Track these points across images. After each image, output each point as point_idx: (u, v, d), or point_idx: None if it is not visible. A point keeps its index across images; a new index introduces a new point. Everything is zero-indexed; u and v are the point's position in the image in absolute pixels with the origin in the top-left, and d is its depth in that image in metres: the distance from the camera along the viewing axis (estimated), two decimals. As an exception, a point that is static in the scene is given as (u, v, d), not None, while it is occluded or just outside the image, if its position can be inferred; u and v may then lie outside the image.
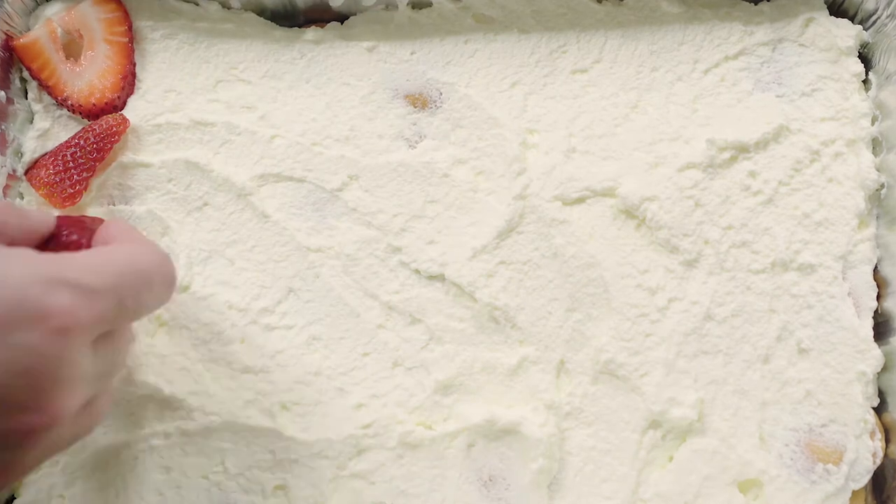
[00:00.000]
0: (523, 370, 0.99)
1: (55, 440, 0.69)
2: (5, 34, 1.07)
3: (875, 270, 1.02)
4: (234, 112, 1.09)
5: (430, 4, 1.13)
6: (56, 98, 1.08)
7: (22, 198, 1.07)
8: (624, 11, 1.12)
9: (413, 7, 1.13)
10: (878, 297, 1.01)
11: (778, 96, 1.06)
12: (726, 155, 1.03)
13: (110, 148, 1.04)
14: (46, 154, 1.07)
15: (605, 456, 0.97)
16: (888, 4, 1.04)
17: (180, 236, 1.05)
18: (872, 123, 1.05)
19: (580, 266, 1.01)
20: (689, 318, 0.99)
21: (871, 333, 0.99)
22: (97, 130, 1.04)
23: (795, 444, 0.96)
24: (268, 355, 1.01)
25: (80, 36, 1.08)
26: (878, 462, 0.95)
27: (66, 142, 1.05)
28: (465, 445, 0.97)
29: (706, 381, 0.98)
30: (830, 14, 1.10)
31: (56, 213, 1.03)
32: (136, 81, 1.11)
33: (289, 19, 1.17)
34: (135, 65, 1.11)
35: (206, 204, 1.06)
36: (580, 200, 1.04)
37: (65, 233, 0.81)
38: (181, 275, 1.03)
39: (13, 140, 1.07)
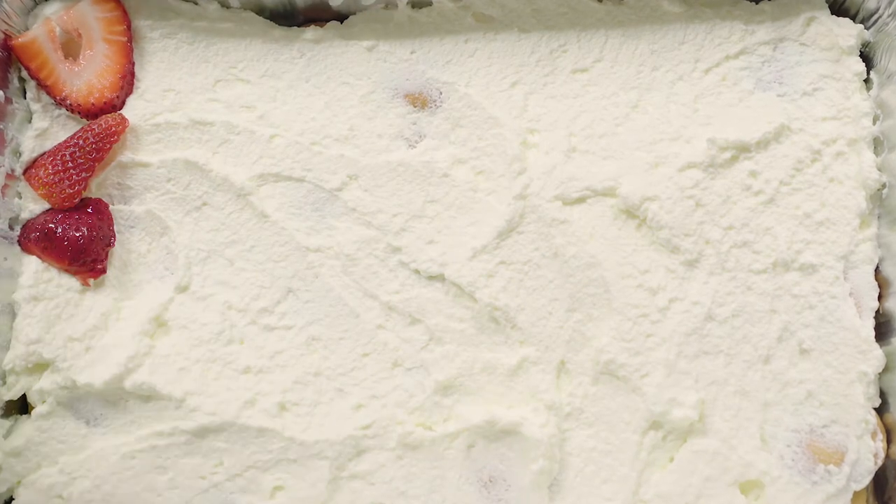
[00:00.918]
0: (524, 371, 0.99)
1: None
2: (4, 33, 1.07)
3: (876, 270, 1.01)
4: (234, 111, 1.09)
5: (429, 3, 1.13)
6: (55, 97, 1.07)
7: (20, 197, 1.06)
8: (625, 10, 1.11)
9: (413, 6, 1.13)
10: (880, 298, 1.00)
11: (779, 95, 1.06)
12: (727, 154, 1.03)
13: (109, 148, 1.04)
14: (45, 153, 1.06)
15: (606, 457, 0.96)
16: (889, 3, 1.04)
17: (179, 236, 1.05)
18: (874, 123, 1.05)
19: (581, 266, 1.01)
20: (690, 319, 0.99)
21: (873, 334, 0.98)
22: (96, 130, 1.03)
23: (797, 445, 0.95)
24: (267, 356, 1.01)
25: (79, 35, 1.08)
26: (880, 463, 0.95)
27: (65, 141, 1.05)
28: (465, 446, 0.96)
29: (707, 381, 0.97)
30: (832, 13, 1.10)
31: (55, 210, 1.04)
32: (134, 81, 1.10)
33: (288, 18, 1.16)
34: (134, 64, 1.10)
35: (205, 204, 1.06)
36: (581, 200, 1.04)
37: None
38: (180, 275, 1.03)
39: (12, 139, 1.06)
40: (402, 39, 1.12)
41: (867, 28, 1.08)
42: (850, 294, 0.99)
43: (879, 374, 0.97)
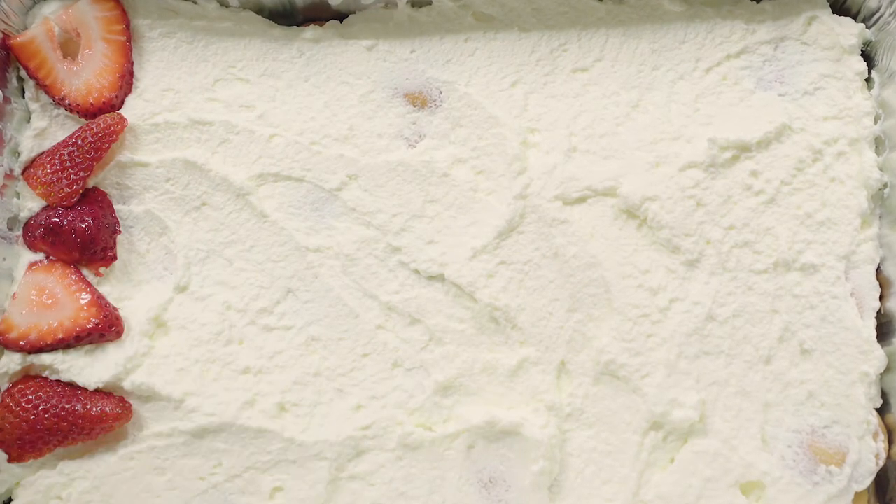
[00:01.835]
0: (524, 371, 0.99)
1: None
2: (2, 33, 1.07)
3: (878, 270, 1.01)
4: (233, 111, 1.09)
5: (429, 3, 1.12)
6: (53, 97, 1.07)
7: (19, 197, 1.06)
8: (625, 10, 1.11)
9: (413, 5, 1.13)
10: (881, 298, 1.00)
11: (780, 95, 1.06)
12: (728, 154, 1.03)
13: (108, 147, 1.04)
14: (44, 153, 1.06)
15: (606, 457, 0.96)
16: (891, 3, 1.04)
17: (178, 236, 1.04)
18: (875, 122, 1.04)
19: (581, 266, 1.00)
20: (690, 319, 0.98)
21: (874, 334, 0.98)
22: (95, 129, 1.03)
23: (798, 446, 0.95)
24: (266, 356, 1.01)
25: (78, 34, 1.08)
26: (881, 463, 0.94)
27: (64, 141, 1.05)
28: (465, 447, 0.96)
29: (708, 382, 0.97)
30: (833, 12, 1.09)
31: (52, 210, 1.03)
32: (133, 80, 1.10)
33: (287, 18, 1.16)
34: (132, 63, 1.10)
35: (204, 203, 1.06)
36: (581, 200, 1.03)
37: None
38: (179, 275, 1.03)
39: (10, 139, 1.06)
40: (402, 39, 1.12)
41: (868, 27, 1.08)
42: (852, 294, 0.99)
43: (881, 374, 0.97)
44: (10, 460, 0.96)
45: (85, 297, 1.00)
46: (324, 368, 1.00)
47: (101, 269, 1.04)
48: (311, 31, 1.12)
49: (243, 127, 1.07)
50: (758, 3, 1.11)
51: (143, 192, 1.06)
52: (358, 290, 1.02)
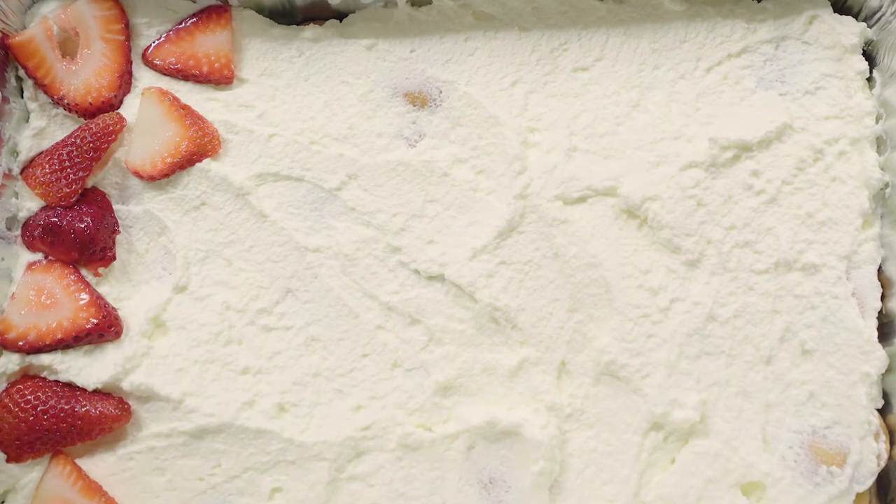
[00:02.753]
0: (524, 371, 0.98)
1: None
2: (1, 32, 1.06)
3: (879, 270, 1.00)
4: (232, 110, 1.08)
5: (429, 2, 1.12)
6: (52, 97, 1.07)
7: (17, 197, 1.06)
8: (626, 9, 1.11)
9: (412, 4, 1.12)
10: (883, 298, 0.99)
11: (781, 94, 1.06)
12: (729, 154, 1.02)
13: (107, 147, 1.03)
14: (42, 153, 1.06)
15: (607, 458, 0.96)
16: (892, 2, 1.03)
17: (177, 236, 1.04)
18: (877, 122, 1.04)
19: (581, 266, 1.00)
20: (691, 319, 0.98)
21: (876, 334, 0.97)
22: (93, 129, 1.03)
23: (799, 447, 0.95)
24: (266, 356, 1.00)
25: (77, 34, 1.07)
26: (883, 464, 0.94)
27: (62, 140, 1.04)
28: (466, 447, 0.96)
29: (708, 382, 0.97)
30: (834, 11, 1.09)
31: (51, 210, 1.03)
32: (132, 80, 1.10)
33: (287, 17, 1.16)
34: (131, 63, 1.10)
35: (203, 203, 1.05)
36: (581, 200, 1.03)
37: None
38: (178, 275, 1.03)
39: (9, 139, 1.06)
40: (402, 38, 1.11)
41: (870, 26, 1.07)
42: (853, 294, 0.99)
43: (882, 374, 0.97)
44: (8, 460, 0.96)
45: (84, 298, 0.99)
46: (323, 369, 1.00)
47: (100, 270, 1.03)
48: (310, 31, 1.12)
49: (243, 126, 1.07)
50: (759, 2, 1.10)
51: (142, 191, 1.06)
52: (358, 290, 1.02)
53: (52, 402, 0.96)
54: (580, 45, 1.10)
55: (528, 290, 1.01)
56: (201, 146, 1.05)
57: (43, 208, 1.04)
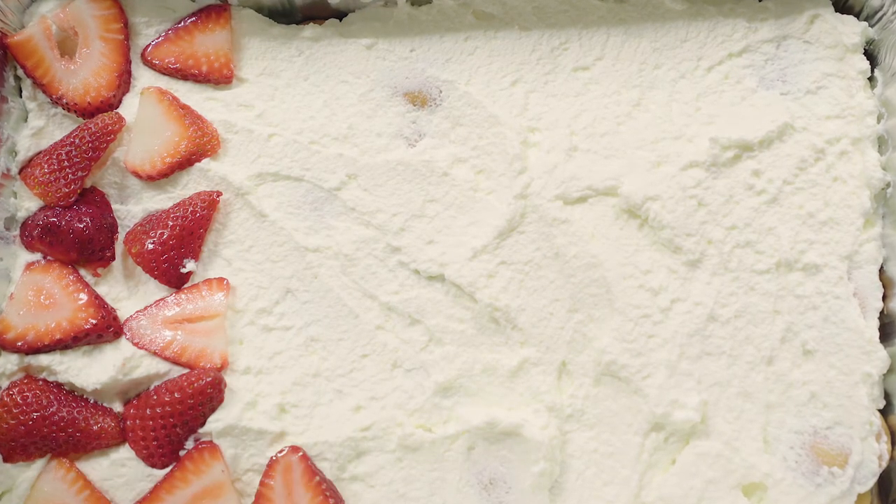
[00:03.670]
0: (524, 372, 0.98)
1: None
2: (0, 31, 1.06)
3: (881, 270, 1.00)
4: (231, 110, 1.08)
5: (429, 1, 1.12)
6: (51, 96, 1.06)
7: (16, 197, 1.05)
8: (626, 8, 1.10)
9: (412, 4, 1.12)
10: (884, 298, 0.99)
11: (782, 94, 1.05)
12: (730, 154, 1.02)
13: (106, 147, 1.03)
14: (41, 152, 1.06)
15: (608, 459, 0.95)
16: (893, 1, 1.03)
17: (177, 236, 1.04)
18: (878, 121, 1.04)
19: (582, 266, 1.00)
20: (692, 319, 0.98)
21: (877, 334, 0.97)
22: (92, 129, 1.02)
23: (800, 447, 0.94)
24: (266, 356, 1.00)
25: (75, 33, 1.07)
26: (884, 465, 0.94)
27: (61, 140, 1.04)
28: (466, 448, 0.96)
29: (709, 382, 0.96)
30: (836, 11, 1.09)
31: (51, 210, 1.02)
32: (131, 79, 1.09)
33: (286, 16, 1.15)
34: (130, 62, 1.09)
35: (202, 203, 1.05)
36: (582, 200, 1.03)
37: None
38: (177, 275, 1.03)
39: (7, 138, 1.06)
40: (402, 37, 1.11)
41: (871, 25, 1.07)
42: (854, 294, 0.98)
43: (884, 375, 0.96)
44: (3, 460, 0.95)
45: (82, 298, 0.99)
46: (323, 369, 0.99)
47: (99, 270, 1.03)
48: (310, 30, 1.12)
49: (242, 126, 1.07)
50: (760, 1, 1.10)
51: (140, 191, 1.06)
52: (357, 290, 1.02)
53: (52, 409, 0.95)
54: (581, 45, 1.09)
55: (529, 290, 1.00)
56: (200, 146, 1.04)
57: (42, 208, 1.04)
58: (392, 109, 1.08)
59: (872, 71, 1.06)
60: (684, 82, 1.07)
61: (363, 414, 0.98)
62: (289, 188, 1.06)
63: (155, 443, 0.94)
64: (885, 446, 0.95)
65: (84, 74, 1.06)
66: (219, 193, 1.03)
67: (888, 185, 1.02)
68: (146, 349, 0.97)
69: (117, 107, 1.08)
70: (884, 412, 0.97)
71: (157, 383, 0.97)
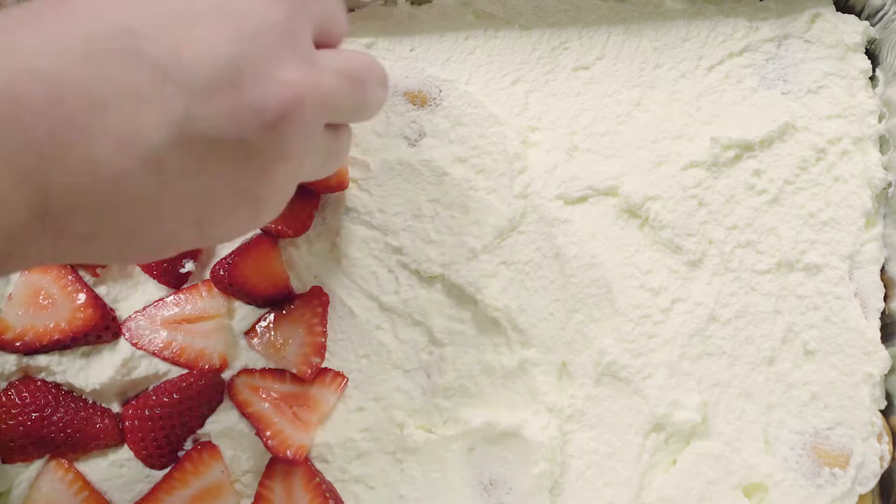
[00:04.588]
0: (524, 372, 0.98)
1: (304, 131, 0.64)
2: (-3, 30, 1.06)
3: (882, 271, 1.00)
4: (230, 110, 1.08)
5: (429, 0, 1.11)
6: (49, 95, 1.06)
7: (14, 197, 1.05)
8: (627, 7, 1.10)
9: (412, 3, 1.12)
10: (886, 298, 0.99)
11: (783, 93, 1.05)
12: (731, 153, 1.02)
13: (104, 146, 1.02)
14: (39, 152, 1.05)
15: (608, 459, 0.95)
16: (895, 1, 1.03)
17: (176, 236, 1.03)
18: (879, 121, 1.04)
19: (582, 266, 1.00)
20: (692, 320, 0.98)
21: (879, 335, 0.97)
22: (91, 128, 1.02)
23: (801, 448, 0.94)
24: (265, 357, 1.00)
25: (74, 32, 1.06)
26: (886, 466, 0.94)
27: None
28: (466, 449, 0.95)
29: (710, 383, 0.96)
30: (837, 10, 1.09)
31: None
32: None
33: (286, 15, 1.15)
34: (129, 62, 1.09)
35: (201, 203, 1.05)
36: (582, 199, 1.03)
37: None
38: (177, 275, 1.02)
39: (6, 138, 1.05)
40: (402, 37, 1.11)
41: (873, 25, 1.07)
42: (856, 294, 0.98)
43: (885, 375, 0.96)
44: (1, 461, 0.95)
45: (81, 298, 0.98)
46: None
47: (98, 270, 1.03)
48: (309, 29, 1.11)
49: (241, 126, 1.06)
50: (761, 0, 1.10)
51: (140, 191, 1.05)
52: (357, 290, 1.01)
53: (51, 409, 0.95)
54: (581, 44, 1.09)
55: (529, 290, 1.00)
56: None
57: (40, 208, 1.04)
58: (392, 108, 1.08)
59: (874, 70, 1.06)
60: (685, 82, 1.07)
61: (363, 415, 0.97)
62: (288, 188, 1.05)
63: (154, 443, 0.94)
64: (886, 447, 0.94)
65: (83, 74, 1.06)
66: None
67: (889, 184, 1.01)
68: (145, 349, 0.97)
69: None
70: (885, 413, 0.97)
71: (156, 384, 0.97)
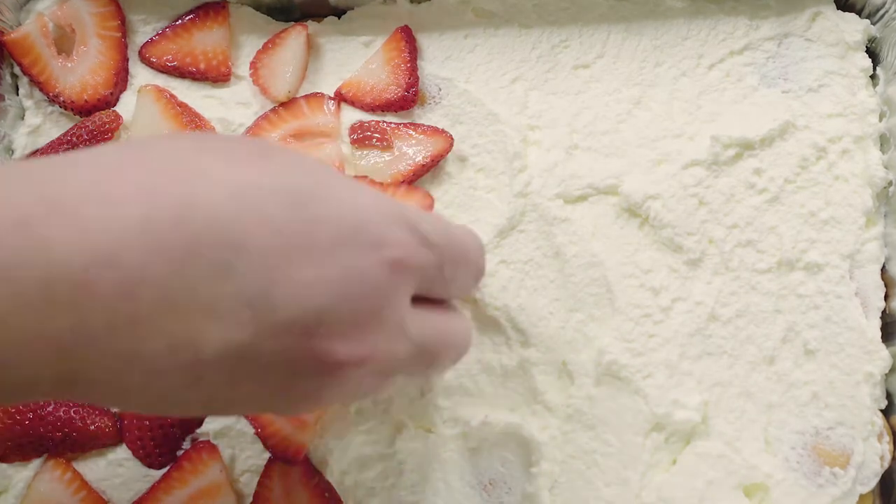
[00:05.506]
0: (524, 372, 0.97)
1: (353, 385, 0.62)
2: (-5, 29, 1.06)
3: (883, 270, 1.00)
4: (229, 108, 1.08)
5: (429, -2, 1.11)
6: (47, 94, 1.06)
7: (13, 196, 1.05)
8: (627, 5, 1.10)
9: (412, 1, 1.11)
10: (886, 297, 0.99)
11: (784, 92, 1.05)
12: (731, 152, 1.02)
13: (103, 145, 1.02)
14: (37, 151, 1.05)
15: (608, 459, 0.95)
16: (895, -1, 1.03)
17: (174, 235, 1.03)
18: (880, 120, 1.03)
19: (582, 265, 0.99)
20: (693, 319, 0.97)
21: (879, 334, 0.97)
22: (90, 127, 1.02)
23: (802, 448, 0.94)
24: (264, 356, 0.99)
25: (73, 31, 1.06)
26: (886, 465, 0.93)
27: (58, 139, 1.03)
28: (466, 449, 0.95)
29: (710, 382, 0.96)
30: (837, 8, 1.08)
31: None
32: (128, 77, 1.09)
33: (285, 13, 1.15)
34: (128, 60, 1.09)
35: (200, 202, 1.04)
36: (582, 198, 1.02)
37: None
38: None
39: (3, 137, 1.05)
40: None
41: (873, 23, 1.07)
42: (856, 294, 0.98)
43: (886, 375, 0.96)
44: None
45: None
46: (322, 369, 0.99)
47: None
48: (309, 28, 1.11)
49: (240, 124, 1.06)
50: (761, -2, 1.10)
51: (138, 190, 1.05)
52: (356, 289, 1.01)
53: (49, 409, 0.94)
54: (581, 42, 1.09)
55: (529, 289, 1.00)
56: None
57: (38, 207, 1.03)
58: (391, 107, 1.07)
59: (874, 69, 1.06)
60: (685, 80, 1.06)
61: (363, 415, 0.97)
62: (287, 187, 1.05)
63: (152, 443, 0.93)
64: (887, 446, 0.94)
65: (81, 72, 1.05)
66: None
67: (890, 183, 1.01)
68: None
69: (114, 105, 1.07)
70: (886, 412, 0.96)
71: None
